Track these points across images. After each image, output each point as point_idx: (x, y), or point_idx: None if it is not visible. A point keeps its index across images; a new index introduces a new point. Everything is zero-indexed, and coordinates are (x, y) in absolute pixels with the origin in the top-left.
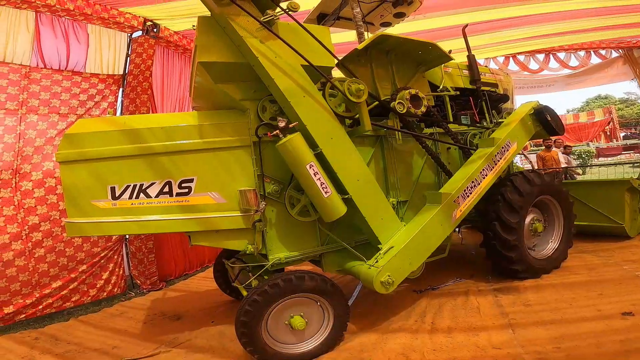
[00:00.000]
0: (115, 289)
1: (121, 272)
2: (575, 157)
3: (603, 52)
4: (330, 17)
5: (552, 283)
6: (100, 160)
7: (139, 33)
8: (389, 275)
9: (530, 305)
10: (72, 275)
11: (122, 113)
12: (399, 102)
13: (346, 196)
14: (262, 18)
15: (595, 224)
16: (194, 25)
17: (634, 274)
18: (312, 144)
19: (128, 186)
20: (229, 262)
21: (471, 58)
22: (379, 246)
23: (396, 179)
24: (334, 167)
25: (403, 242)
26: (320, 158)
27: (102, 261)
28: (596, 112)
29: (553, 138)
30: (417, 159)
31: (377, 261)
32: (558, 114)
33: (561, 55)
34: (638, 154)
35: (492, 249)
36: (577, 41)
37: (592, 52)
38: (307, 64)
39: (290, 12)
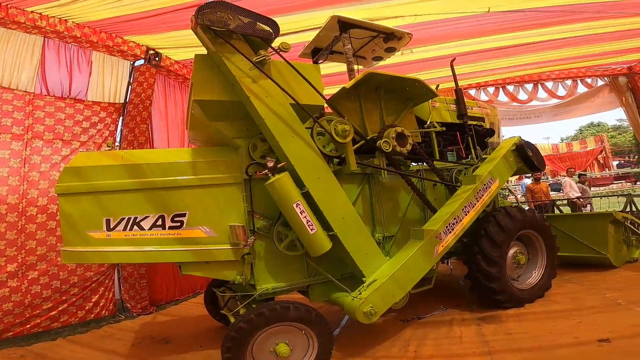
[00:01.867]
0: (104, 311)
1: (111, 296)
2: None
3: (589, 80)
4: (324, 52)
5: (534, 312)
6: (97, 193)
7: (141, 62)
8: (371, 307)
9: (511, 333)
10: (63, 298)
11: (121, 142)
12: (384, 141)
13: (331, 233)
14: (254, 58)
15: (581, 255)
16: (192, 60)
17: (616, 302)
18: (299, 183)
19: (123, 219)
20: (218, 291)
21: (459, 92)
22: (363, 279)
23: (382, 215)
24: (320, 205)
25: (386, 276)
26: (307, 196)
27: (94, 285)
28: (588, 140)
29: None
30: (403, 195)
31: (360, 293)
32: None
33: (549, 84)
34: (630, 183)
35: (476, 280)
36: (565, 67)
37: (578, 81)
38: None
39: (281, 52)
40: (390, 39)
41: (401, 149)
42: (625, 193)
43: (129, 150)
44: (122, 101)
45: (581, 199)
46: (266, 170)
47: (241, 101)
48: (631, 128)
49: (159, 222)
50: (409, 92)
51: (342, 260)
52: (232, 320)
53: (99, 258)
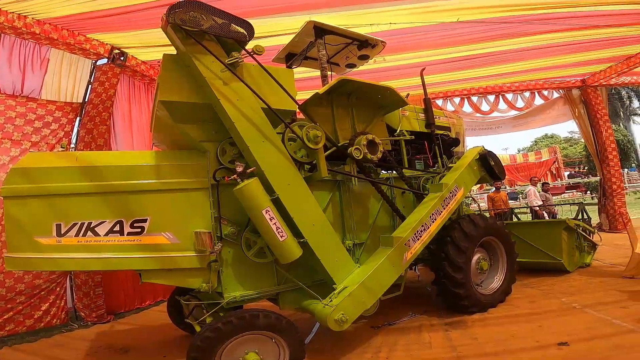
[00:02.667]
0: (55, 320)
1: (62, 304)
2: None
3: (546, 92)
4: (298, 57)
5: (497, 316)
6: (47, 196)
7: (104, 61)
8: (342, 314)
9: (477, 338)
10: (9, 306)
11: (76, 144)
12: (356, 148)
13: (302, 240)
14: (226, 60)
15: (538, 261)
16: (159, 60)
17: (571, 306)
18: (269, 189)
19: (75, 224)
20: (183, 299)
21: (427, 101)
22: (334, 286)
23: (353, 222)
24: (290, 212)
25: (356, 283)
26: (277, 203)
27: (43, 293)
28: (543, 151)
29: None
30: (373, 203)
31: (331, 300)
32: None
33: (509, 96)
34: (580, 193)
35: (442, 286)
36: (524, 79)
37: (536, 93)
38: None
39: (255, 55)
40: (365, 46)
41: (372, 156)
42: (577, 202)
43: (84, 152)
44: (80, 101)
45: (541, 208)
46: (235, 176)
47: (210, 104)
48: (582, 140)
49: (117, 228)
50: (380, 100)
51: (313, 268)
52: (198, 329)
53: (49, 265)
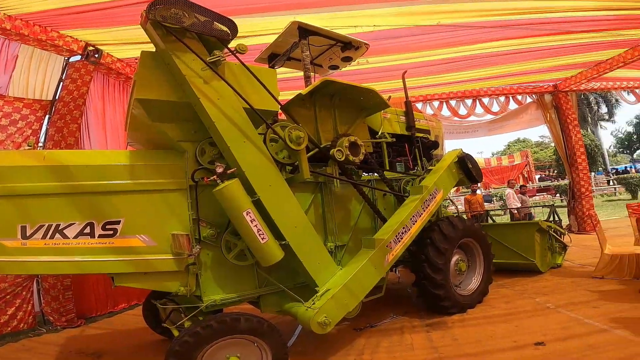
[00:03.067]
0: (22, 324)
1: (30, 308)
2: (499, 198)
3: (520, 97)
4: (281, 58)
5: (476, 317)
6: (11, 197)
7: (78, 58)
8: (325, 317)
9: (457, 339)
10: None
11: (45, 142)
12: (338, 150)
13: (283, 242)
14: (208, 58)
15: (512, 262)
16: (136, 59)
17: (545, 306)
18: (250, 190)
19: (42, 226)
20: (159, 303)
21: (408, 104)
22: (316, 288)
23: (334, 224)
24: (271, 214)
25: (339, 285)
26: (258, 204)
27: (9, 297)
28: (515, 155)
29: None
30: (355, 205)
31: (314, 303)
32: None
33: (485, 100)
34: (550, 195)
35: (423, 287)
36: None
37: (510, 98)
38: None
39: (237, 54)
40: (348, 48)
41: (354, 158)
42: (548, 204)
43: (53, 151)
44: (50, 98)
45: (519, 211)
46: (215, 176)
47: (189, 102)
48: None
49: (87, 230)
50: (363, 102)
51: (294, 270)
52: (176, 333)
53: (15, 268)
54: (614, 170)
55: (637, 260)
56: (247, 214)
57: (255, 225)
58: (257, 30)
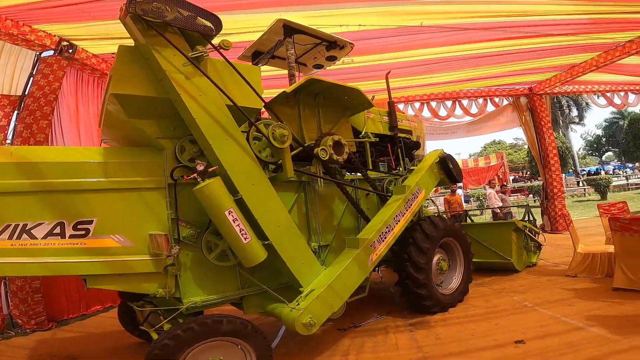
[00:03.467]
0: None
1: None
2: (476, 199)
3: (497, 99)
4: (266, 56)
5: (457, 316)
6: None
7: (50, 53)
8: (310, 317)
9: (441, 338)
10: None
11: (13, 139)
12: (322, 149)
13: (267, 242)
14: (190, 54)
15: (489, 261)
16: (113, 54)
17: (523, 304)
18: (232, 189)
19: (8, 225)
20: (136, 305)
21: (391, 105)
22: (300, 289)
23: (318, 223)
24: (254, 213)
25: (323, 285)
26: (241, 203)
27: None
28: (491, 156)
29: None
30: (338, 204)
31: (298, 303)
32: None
33: (465, 102)
34: (524, 196)
35: (405, 287)
36: (478, 85)
37: (488, 100)
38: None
39: (221, 50)
40: (333, 47)
41: (338, 157)
42: (523, 204)
43: (21, 147)
44: (20, 94)
45: (501, 209)
46: (195, 174)
47: (169, 99)
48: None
49: (57, 230)
50: (347, 101)
51: (278, 270)
52: (155, 336)
53: None
54: (587, 172)
55: (609, 259)
56: (229, 213)
57: (238, 225)
58: (241, 28)
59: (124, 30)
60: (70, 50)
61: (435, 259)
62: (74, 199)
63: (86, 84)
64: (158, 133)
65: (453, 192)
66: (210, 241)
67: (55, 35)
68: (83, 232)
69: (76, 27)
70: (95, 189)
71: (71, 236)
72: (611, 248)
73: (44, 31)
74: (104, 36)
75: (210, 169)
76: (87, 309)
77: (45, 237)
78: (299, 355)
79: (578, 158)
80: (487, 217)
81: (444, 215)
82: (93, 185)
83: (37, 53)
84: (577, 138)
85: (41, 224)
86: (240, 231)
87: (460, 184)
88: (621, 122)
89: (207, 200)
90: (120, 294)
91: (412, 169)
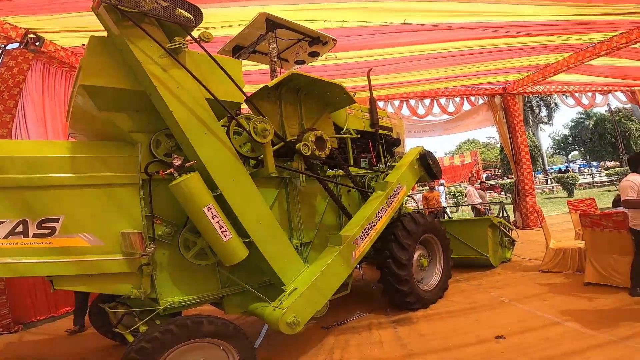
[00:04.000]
0: None
1: None
2: (452, 196)
3: (473, 98)
4: (246, 50)
5: (439, 312)
6: None
7: (16, 45)
8: (294, 316)
9: (424, 335)
10: None
11: None
12: (304, 144)
13: (247, 239)
14: (168, 45)
15: (466, 257)
16: (83, 44)
17: (500, 300)
18: (211, 185)
19: None
20: (108, 306)
21: (372, 101)
22: (283, 287)
23: (300, 220)
24: (234, 210)
25: (307, 283)
26: (220, 200)
27: None
28: (466, 155)
29: None
30: (320, 201)
31: (281, 302)
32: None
33: (442, 100)
34: (497, 193)
35: (388, 284)
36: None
37: (465, 99)
38: (212, 97)
39: (201, 42)
40: (316, 43)
41: (320, 153)
42: (497, 201)
43: None
44: None
45: (482, 206)
46: (171, 170)
47: (144, 91)
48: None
49: (19, 229)
50: (329, 97)
51: (259, 269)
52: (131, 339)
53: None
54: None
55: (579, 254)
56: (208, 210)
57: (217, 222)
58: (222, 22)
59: (96, 22)
60: (37, 43)
61: (416, 255)
62: (38, 195)
63: (53, 77)
64: (131, 127)
65: (431, 189)
66: (188, 239)
67: (21, 28)
68: (48, 231)
69: (45, 19)
70: (62, 185)
71: (35, 235)
72: (581, 243)
73: (9, 23)
74: (75, 29)
75: (187, 164)
76: (57, 310)
77: (6, 236)
78: (283, 355)
79: (546, 157)
80: (463, 213)
81: (423, 212)
82: (59, 181)
83: (2, 45)
84: (546, 137)
85: (2, 222)
86: (220, 228)
87: (443, 181)
88: (587, 122)
89: (185, 197)
90: (77, 297)
91: (393, 166)
